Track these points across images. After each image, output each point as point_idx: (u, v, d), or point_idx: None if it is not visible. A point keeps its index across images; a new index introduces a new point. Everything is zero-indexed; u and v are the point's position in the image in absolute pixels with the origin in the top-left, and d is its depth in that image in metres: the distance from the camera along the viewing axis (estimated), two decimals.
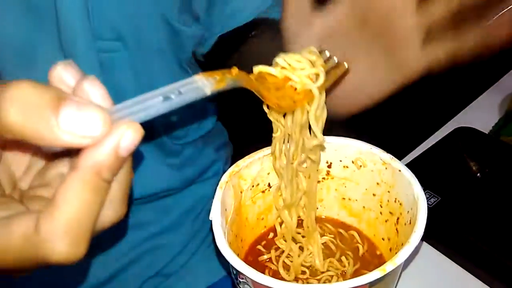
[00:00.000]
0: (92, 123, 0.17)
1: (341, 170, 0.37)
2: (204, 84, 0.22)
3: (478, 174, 0.49)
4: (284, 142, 0.31)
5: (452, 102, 0.67)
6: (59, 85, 0.19)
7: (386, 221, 0.35)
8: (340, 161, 0.36)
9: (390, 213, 0.34)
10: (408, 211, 0.31)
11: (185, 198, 0.55)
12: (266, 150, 0.35)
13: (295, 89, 0.28)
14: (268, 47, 0.51)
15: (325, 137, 0.31)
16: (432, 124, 0.59)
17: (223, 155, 0.62)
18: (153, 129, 0.52)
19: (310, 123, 0.29)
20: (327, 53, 0.30)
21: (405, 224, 0.32)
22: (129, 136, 0.18)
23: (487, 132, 0.56)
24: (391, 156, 0.34)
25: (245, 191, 0.35)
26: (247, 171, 0.34)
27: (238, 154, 0.67)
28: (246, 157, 0.35)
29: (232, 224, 0.32)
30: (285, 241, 0.35)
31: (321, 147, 0.32)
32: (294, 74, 0.28)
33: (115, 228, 0.21)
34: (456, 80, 1.26)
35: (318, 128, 0.29)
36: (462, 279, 0.41)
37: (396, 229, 0.33)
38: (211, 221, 0.30)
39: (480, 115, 0.60)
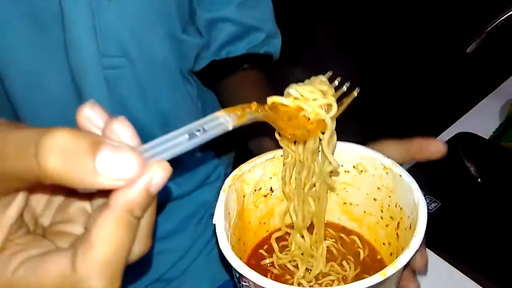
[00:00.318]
0: (127, 165, 0.18)
1: (342, 175, 0.37)
2: (226, 120, 0.23)
3: (479, 180, 0.50)
4: (294, 167, 0.33)
5: (454, 108, 0.68)
6: (87, 126, 0.20)
7: (386, 225, 0.35)
8: (342, 165, 0.37)
9: (391, 217, 0.34)
10: (408, 216, 0.32)
11: (188, 203, 0.56)
12: (269, 155, 0.35)
13: (308, 119, 0.29)
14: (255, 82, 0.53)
15: None
16: (433, 129, 0.60)
17: (225, 159, 0.63)
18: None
19: (324, 151, 0.31)
20: (337, 82, 0.31)
21: (405, 229, 0.32)
22: (159, 175, 0.19)
23: (488, 137, 0.57)
24: (392, 161, 0.34)
25: (248, 195, 0.35)
26: (250, 175, 0.35)
27: (239, 157, 0.67)
28: (249, 161, 0.35)
29: (235, 228, 0.33)
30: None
31: (335, 172, 0.33)
32: (307, 104, 0.29)
33: (141, 260, 0.22)
34: (457, 86, 1.26)
35: (331, 154, 0.31)
36: (461, 284, 0.41)
37: (397, 234, 0.33)
38: (214, 225, 0.30)
39: (481, 120, 0.60)
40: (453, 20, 1.38)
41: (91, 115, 0.20)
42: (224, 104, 0.58)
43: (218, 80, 0.56)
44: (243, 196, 0.35)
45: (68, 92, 0.45)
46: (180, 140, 0.21)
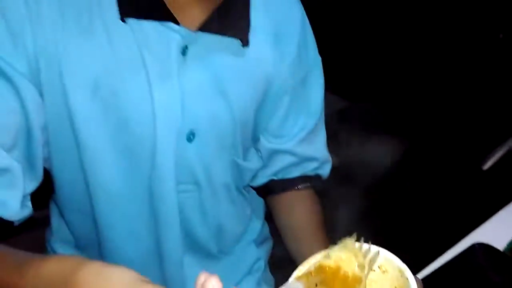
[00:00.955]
0: None
1: (370, 272, 0.45)
2: (298, 286, 0.34)
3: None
4: None
5: (470, 218, 0.74)
6: None
7: None
8: None
9: None
10: None
11: None
12: (318, 256, 0.43)
13: (348, 276, 0.39)
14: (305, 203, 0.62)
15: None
16: (451, 238, 0.67)
17: (264, 251, 0.69)
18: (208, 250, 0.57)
19: None
20: (363, 243, 0.41)
21: None
22: None
23: (502, 248, 0.63)
24: (405, 266, 0.44)
25: None
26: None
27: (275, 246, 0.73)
28: (304, 262, 0.43)
29: None
30: None
31: None
32: (345, 264, 0.39)
33: None
34: (474, 198, 1.31)
35: None
36: None
37: None
38: None
39: (497, 231, 0.65)
40: (469, 138, 1.47)
41: (217, 286, 0.29)
42: (275, 217, 0.65)
43: (272, 194, 0.64)
44: None
45: (143, 214, 0.53)
46: None
